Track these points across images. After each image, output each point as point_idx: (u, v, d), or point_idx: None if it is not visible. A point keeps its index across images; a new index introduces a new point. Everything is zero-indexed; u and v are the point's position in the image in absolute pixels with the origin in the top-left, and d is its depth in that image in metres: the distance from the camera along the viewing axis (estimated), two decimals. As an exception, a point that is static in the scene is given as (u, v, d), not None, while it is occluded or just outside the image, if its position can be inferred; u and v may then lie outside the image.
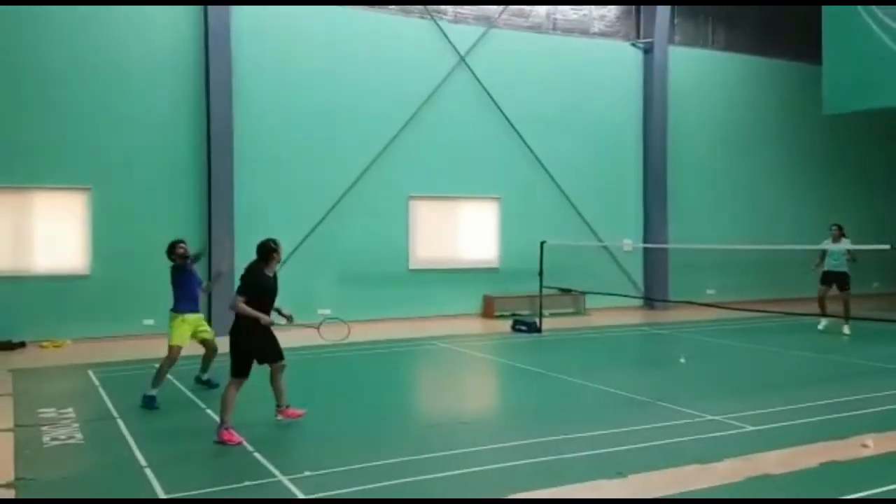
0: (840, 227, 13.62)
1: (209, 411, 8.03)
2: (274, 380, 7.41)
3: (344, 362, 10.58)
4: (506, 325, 14.73)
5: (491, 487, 5.66)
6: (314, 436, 7.20)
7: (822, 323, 13.57)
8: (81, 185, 13.30)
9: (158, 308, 13.48)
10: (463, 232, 16.46)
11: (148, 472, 6.08)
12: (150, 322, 13.38)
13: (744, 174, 19.41)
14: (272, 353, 7.28)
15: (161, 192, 13.80)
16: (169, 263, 8.86)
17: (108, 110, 13.42)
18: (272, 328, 7.18)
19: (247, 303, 6.96)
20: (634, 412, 8.01)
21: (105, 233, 13.38)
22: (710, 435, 7.11)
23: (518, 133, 16.67)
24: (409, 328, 14.03)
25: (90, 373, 10.27)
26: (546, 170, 16.99)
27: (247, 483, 5.75)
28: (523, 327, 14.29)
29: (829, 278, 13.67)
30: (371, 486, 5.69)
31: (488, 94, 16.37)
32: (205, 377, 9.18)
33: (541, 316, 14.52)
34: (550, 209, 17.02)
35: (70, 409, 8.19)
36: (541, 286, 14.42)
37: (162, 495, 5.55)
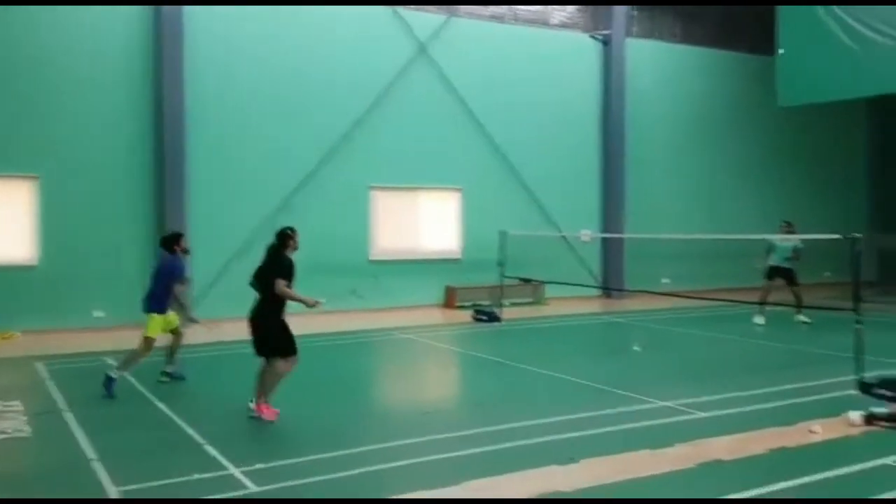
0: (790, 224, 13.77)
1: (160, 404, 7.92)
2: (265, 372, 7.36)
3: (302, 354, 10.46)
4: (467, 315, 14.77)
5: (446, 475, 5.65)
6: (269, 428, 7.12)
7: (759, 318, 13.63)
8: (29, 173, 12.96)
9: (108, 299, 13.36)
10: (424, 222, 16.43)
11: (96, 465, 5.96)
12: (101, 314, 13.15)
13: (701, 165, 19.68)
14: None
15: (111, 183, 13.54)
16: (154, 254, 9.03)
17: (57, 99, 13.11)
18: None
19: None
20: (589, 399, 8.08)
21: (53, 223, 13.10)
22: (663, 421, 7.20)
23: (480, 123, 16.67)
24: (370, 319, 13.96)
25: (38, 365, 10.03)
26: (507, 160, 17.03)
27: (196, 476, 5.66)
28: (484, 317, 14.34)
29: (774, 273, 13.82)
30: (326, 476, 5.66)
31: (449, 83, 16.32)
32: (170, 370, 8.98)
33: (501, 306, 14.58)
34: (511, 200, 17.07)
35: (17, 402, 7.99)
36: (501, 276, 14.48)
37: (110, 488, 5.44)
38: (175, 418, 7.38)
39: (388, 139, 15.71)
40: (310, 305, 7.30)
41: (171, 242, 8.83)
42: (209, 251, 13.82)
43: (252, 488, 5.44)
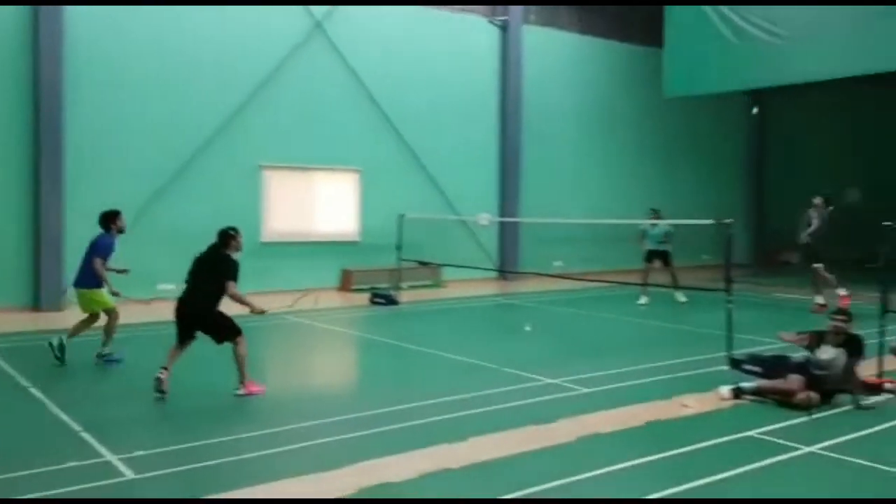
0: (656, 211, 14.61)
1: (34, 391, 7.57)
2: (180, 353, 7.69)
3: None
4: (364, 298, 14.72)
5: (335, 458, 5.65)
6: (150, 414, 6.93)
7: (643, 299, 14.28)
8: None
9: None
10: (320, 204, 16.20)
11: (-40, 457, 5.64)
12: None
13: (594, 150, 20.28)
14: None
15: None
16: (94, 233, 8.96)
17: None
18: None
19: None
20: (481, 379, 8.24)
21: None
22: (548, 398, 7.46)
23: (378, 105, 16.56)
24: (261, 302, 13.65)
25: None
26: (406, 142, 17.02)
27: (71, 464, 5.45)
28: (381, 300, 14.34)
29: (652, 256, 14.61)
30: (209, 462, 5.56)
31: (347, 63, 16.12)
32: (106, 351, 8.97)
33: (399, 288, 14.62)
34: (410, 183, 17.08)
35: None
36: (399, 259, 14.51)
37: (-25, 481, 5.16)
38: (50, 405, 7.05)
39: (281, 118, 15.37)
40: (255, 311, 7.58)
41: (108, 220, 9.00)
42: (89, 234, 13.21)
43: (130, 475, 5.29)
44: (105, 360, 8.86)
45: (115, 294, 8.93)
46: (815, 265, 13.09)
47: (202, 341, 9.78)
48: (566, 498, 4.96)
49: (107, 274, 8.76)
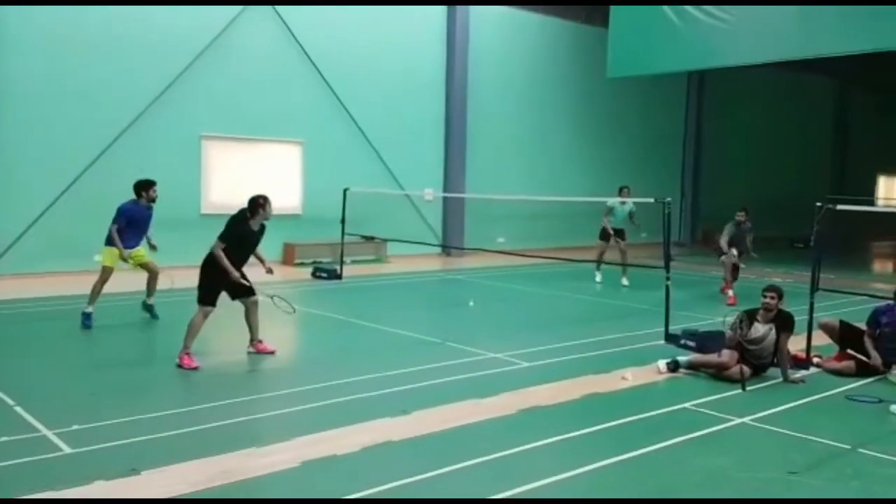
0: (628, 189, 14.16)
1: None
2: (248, 315, 8.02)
3: (123, 311, 9.95)
4: (306, 272, 14.59)
5: (273, 433, 5.63)
6: (87, 388, 6.76)
7: (599, 276, 14.48)
8: None
9: None
10: (262, 176, 15.88)
11: None
12: None
13: (538, 129, 20.43)
14: (244, 288, 7.83)
15: None
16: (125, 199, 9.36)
17: None
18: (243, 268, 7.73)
19: (224, 249, 7.45)
20: (424, 353, 8.29)
21: None
22: (490, 371, 7.55)
23: (322, 76, 16.31)
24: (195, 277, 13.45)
25: None
26: (350, 116, 16.83)
27: (4, 438, 5.29)
28: (324, 274, 14.24)
29: (615, 233, 14.14)
30: (147, 437, 5.46)
31: (290, 32, 15.81)
32: (150, 301, 9.70)
33: (342, 263, 14.53)
34: (354, 156, 16.93)
35: None
36: (343, 233, 14.39)
37: None
38: (-21, 380, 6.82)
39: (222, 88, 15.01)
40: (231, 279, 7.59)
41: (139, 188, 9.42)
42: (20, 204, 12.78)
43: (66, 450, 5.16)
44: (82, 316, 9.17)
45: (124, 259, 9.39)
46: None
47: (138, 317, 9.58)
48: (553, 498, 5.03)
49: (117, 238, 9.19)
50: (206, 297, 7.58)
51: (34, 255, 12.95)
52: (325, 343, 9.24)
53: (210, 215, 14.95)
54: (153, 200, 9.54)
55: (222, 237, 7.55)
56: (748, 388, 7.07)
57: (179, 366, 7.35)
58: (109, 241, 9.27)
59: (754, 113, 26.36)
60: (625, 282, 14.16)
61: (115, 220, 9.25)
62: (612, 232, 14.01)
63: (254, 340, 8.11)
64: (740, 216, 12.81)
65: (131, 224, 9.31)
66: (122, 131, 13.90)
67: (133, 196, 9.44)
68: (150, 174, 13.81)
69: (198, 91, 14.71)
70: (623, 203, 14.10)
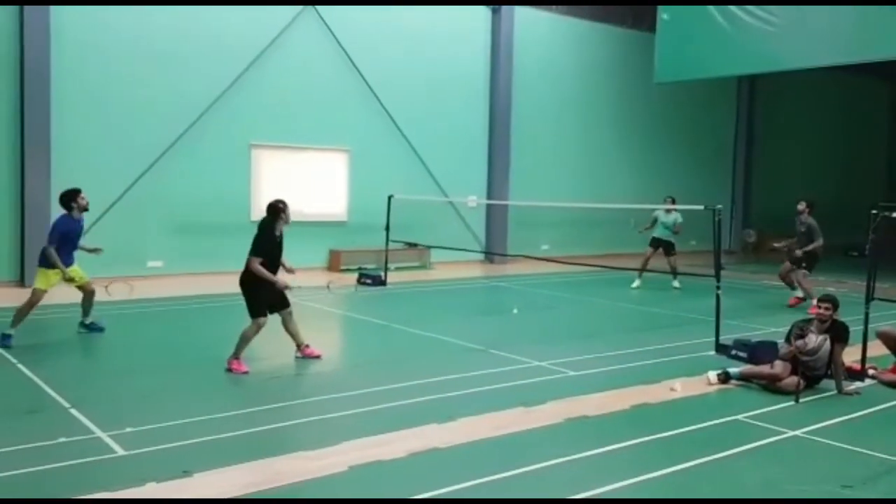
0: (673, 199, 14.24)
1: (23, 367, 7.52)
2: (286, 325, 8.09)
3: (179, 316, 10.17)
4: (351, 278, 14.70)
5: (320, 437, 5.67)
6: (141, 392, 6.90)
7: (637, 282, 14.26)
8: None
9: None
10: (309, 183, 16.11)
11: (-52, 431, 5.61)
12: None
13: (582, 135, 20.27)
14: (281, 300, 7.96)
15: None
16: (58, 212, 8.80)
17: None
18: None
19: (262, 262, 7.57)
20: (468, 360, 8.28)
21: None
22: (536, 380, 7.50)
23: (368, 84, 16.46)
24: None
25: None
26: (395, 123, 16.94)
27: (62, 440, 5.44)
28: (368, 280, 14.33)
29: (656, 244, 14.40)
30: (197, 439, 5.55)
31: (337, 41, 16.00)
32: (87, 321, 9.19)
33: (386, 269, 14.61)
34: (399, 163, 17.03)
35: None
36: (387, 240, 14.49)
37: (-38, 456, 5.14)
38: (39, 382, 7.02)
39: (271, 97, 15.24)
40: (278, 287, 7.77)
41: (68, 199, 8.77)
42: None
43: (120, 452, 5.28)
44: (88, 328, 9.11)
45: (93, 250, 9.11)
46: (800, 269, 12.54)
47: (198, 321, 9.75)
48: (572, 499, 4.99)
49: (56, 258, 8.50)
50: (258, 309, 7.68)
51: (88, 262, 13.27)
52: (370, 348, 9.29)
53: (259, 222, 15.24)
54: (85, 209, 8.88)
55: (257, 252, 7.60)
56: (801, 400, 6.90)
57: (229, 370, 7.50)
58: (45, 263, 8.52)
59: (807, 116, 25.81)
60: (676, 284, 14.03)
61: (50, 240, 8.51)
62: (652, 236, 14.06)
63: (300, 346, 8.23)
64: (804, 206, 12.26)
65: (64, 239, 8.60)
66: (174, 140, 14.21)
67: (62, 210, 8.78)
68: (202, 182, 14.33)
69: (248, 100, 14.96)
70: (668, 212, 13.98)
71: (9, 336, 8.33)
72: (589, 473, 5.12)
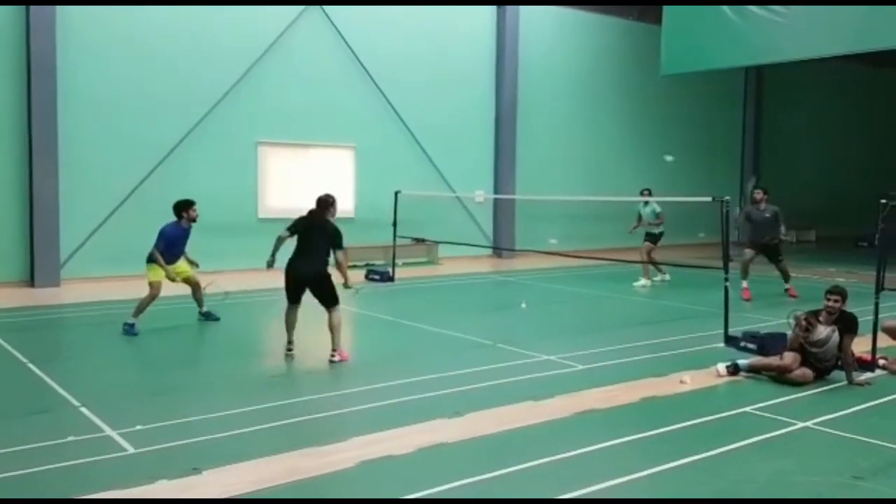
0: (649, 191, 14.03)
1: (32, 365, 7.56)
2: (294, 316, 8.21)
3: (185, 314, 10.19)
4: (359, 274, 14.70)
5: (330, 433, 5.68)
6: (148, 390, 6.94)
7: (641, 280, 14.11)
8: None
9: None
10: (316, 180, 16.08)
11: (-41, 431, 5.65)
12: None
13: (589, 128, 20.22)
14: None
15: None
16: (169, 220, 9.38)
17: None
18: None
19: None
20: (476, 355, 8.28)
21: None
22: (544, 374, 7.49)
23: (373, 81, 16.45)
24: (257, 279, 13.67)
25: None
26: (401, 119, 16.93)
27: (71, 438, 5.46)
28: (376, 276, 14.35)
29: (646, 237, 14.23)
30: (207, 437, 5.57)
31: (342, 37, 15.98)
32: (203, 310, 9.90)
33: (394, 265, 14.63)
34: (405, 159, 17.03)
35: None
36: (395, 236, 14.50)
37: (-26, 455, 5.17)
38: (48, 381, 7.06)
39: (276, 94, 15.26)
40: (348, 286, 8.11)
41: (180, 209, 9.42)
42: (83, 211, 13.20)
43: (130, 450, 5.30)
44: (206, 317, 9.84)
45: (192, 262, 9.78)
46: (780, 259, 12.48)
47: (195, 318, 9.82)
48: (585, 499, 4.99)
49: (161, 260, 9.18)
50: (337, 295, 7.93)
51: (98, 260, 13.37)
52: (378, 344, 9.30)
53: (267, 219, 15.27)
54: (194, 220, 9.51)
55: (343, 245, 7.95)
56: (811, 392, 6.87)
57: (341, 360, 7.82)
58: (152, 260, 9.24)
59: (816, 107, 25.64)
60: (658, 278, 14.10)
61: (157, 245, 9.21)
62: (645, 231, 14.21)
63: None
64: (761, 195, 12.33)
65: (170, 244, 9.32)
66: (181, 139, 14.24)
67: (174, 217, 9.45)
68: (209, 180, 14.33)
69: (254, 99, 14.99)
70: (645, 203, 13.98)
71: (131, 325, 8.95)
72: (598, 467, 5.11)
